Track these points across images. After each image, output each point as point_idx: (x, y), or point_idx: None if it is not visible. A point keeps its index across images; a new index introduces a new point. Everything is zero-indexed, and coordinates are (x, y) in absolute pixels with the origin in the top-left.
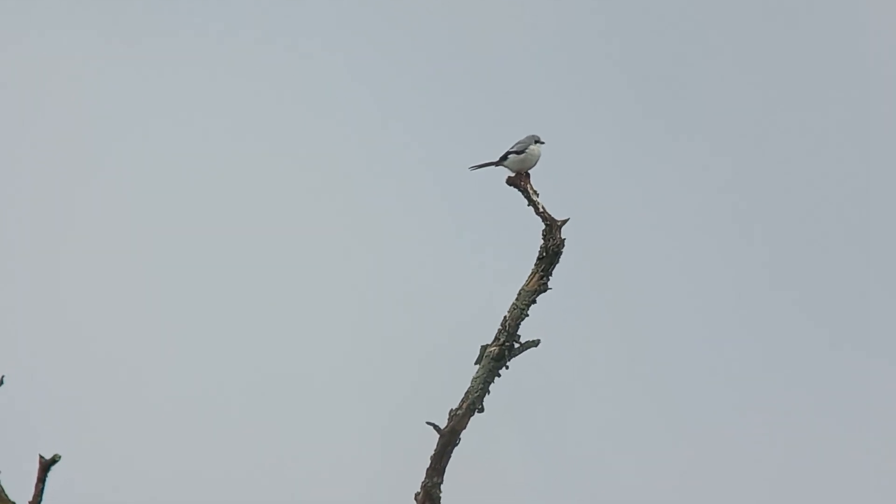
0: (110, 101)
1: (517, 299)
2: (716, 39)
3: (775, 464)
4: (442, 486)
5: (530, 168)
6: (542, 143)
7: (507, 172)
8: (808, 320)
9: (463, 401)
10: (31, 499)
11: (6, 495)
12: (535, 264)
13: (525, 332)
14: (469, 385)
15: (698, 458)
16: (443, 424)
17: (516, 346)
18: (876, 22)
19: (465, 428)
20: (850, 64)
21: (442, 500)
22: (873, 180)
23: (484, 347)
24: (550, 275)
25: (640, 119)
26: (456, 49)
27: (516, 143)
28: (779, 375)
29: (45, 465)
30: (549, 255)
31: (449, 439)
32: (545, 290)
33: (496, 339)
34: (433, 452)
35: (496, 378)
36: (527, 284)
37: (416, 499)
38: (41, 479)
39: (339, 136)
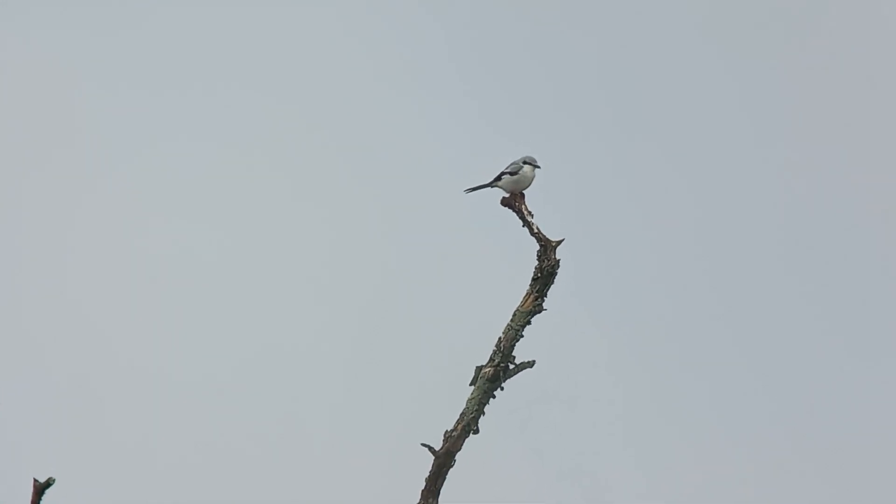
0: (107, 99)
1: (512, 320)
2: (710, 57)
3: (782, 480)
4: None
5: (524, 189)
6: (538, 167)
7: (502, 193)
8: (810, 334)
9: (458, 422)
10: None
11: None
12: (530, 285)
13: (520, 353)
14: (464, 406)
15: (703, 480)
16: (438, 446)
17: (511, 367)
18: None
19: (460, 449)
20: (844, 64)
21: None
22: (877, 180)
23: (479, 368)
24: (545, 295)
25: (634, 139)
26: (453, 69)
27: (510, 164)
28: (784, 389)
29: (40, 489)
30: (544, 276)
31: (444, 461)
32: (540, 311)
33: (491, 360)
34: (428, 474)
35: (491, 399)
36: (522, 305)
37: None
38: None
39: (339, 149)
